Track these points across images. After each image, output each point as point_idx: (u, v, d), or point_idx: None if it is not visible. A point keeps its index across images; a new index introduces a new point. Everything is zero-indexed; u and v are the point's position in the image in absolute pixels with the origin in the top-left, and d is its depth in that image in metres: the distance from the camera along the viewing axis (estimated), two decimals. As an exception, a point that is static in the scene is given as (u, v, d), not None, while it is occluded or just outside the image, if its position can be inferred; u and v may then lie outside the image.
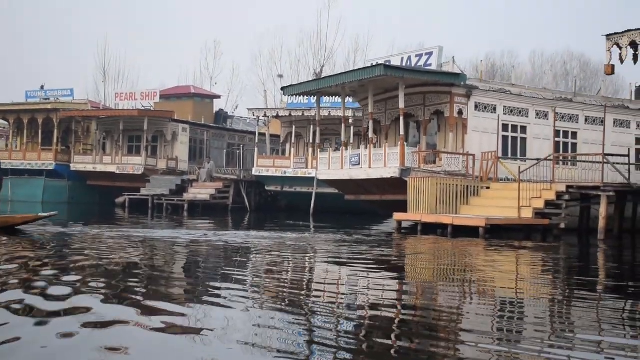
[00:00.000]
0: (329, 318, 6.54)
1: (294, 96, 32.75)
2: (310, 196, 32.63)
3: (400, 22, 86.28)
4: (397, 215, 20.51)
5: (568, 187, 19.28)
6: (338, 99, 28.10)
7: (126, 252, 12.68)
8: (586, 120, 24.90)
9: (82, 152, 40.80)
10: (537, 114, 24.25)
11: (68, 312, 6.31)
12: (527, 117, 24.10)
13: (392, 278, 10.18)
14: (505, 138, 23.56)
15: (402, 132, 22.30)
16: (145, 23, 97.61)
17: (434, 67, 23.68)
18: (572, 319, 7.03)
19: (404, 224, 20.69)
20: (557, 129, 24.33)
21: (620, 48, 17.49)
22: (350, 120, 31.77)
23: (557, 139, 24.35)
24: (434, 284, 9.64)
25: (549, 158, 20.90)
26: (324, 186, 29.31)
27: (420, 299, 8.05)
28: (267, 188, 36.20)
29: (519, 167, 19.72)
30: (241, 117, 51.82)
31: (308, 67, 56.88)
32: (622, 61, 17.87)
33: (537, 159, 21.07)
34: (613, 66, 17.88)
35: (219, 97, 54.80)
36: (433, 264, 12.51)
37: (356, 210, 27.84)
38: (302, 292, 8.25)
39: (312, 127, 33.01)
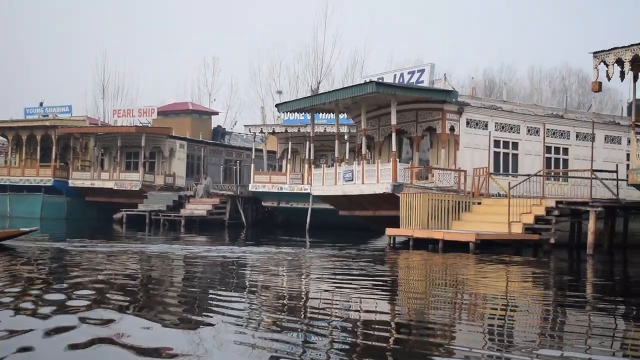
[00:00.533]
0: (321, 329, 6.73)
1: (290, 113, 33.04)
2: (306, 212, 32.85)
3: (398, 37, 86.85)
4: (390, 231, 20.70)
5: (557, 202, 19.50)
6: (334, 116, 28.37)
7: (110, 268, 12.87)
8: (577, 136, 25.16)
9: (80, 169, 41.03)
10: (529, 130, 24.52)
11: (51, 332, 6.51)
12: (518, 133, 24.37)
13: (380, 292, 10.36)
14: (497, 154, 23.81)
15: (394, 148, 22.55)
16: (145, 40, 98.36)
17: (426, 84, 24.00)
18: (545, 330, 7.24)
19: (398, 240, 20.88)
20: (548, 145, 24.60)
21: (607, 65, 17.76)
22: (346, 137, 32.08)
23: (548, 155, 24.62)
24: (417, 297, 9.83)
25: (538, 174, 21.13)
26: (319, 202, 29.50)
27: (405, 313, 8.24)
28: (263, 204, 36.42)
29: (509, 183, 19.94)
30: (239, 134, 52.11)
31: (307, 83, 57.26)
32: (609, 78, 18.15)
33: (527, 175, 21.31)
34: (600, 83, 18.15)
35: (216, 113, 55.21)
36: (419, 278, 12.70)
37: (353, 225, 28.00)
38: (290, 306, 8.45)
39: (308, 143, 33.27)
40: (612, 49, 17.58)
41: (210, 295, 9.36)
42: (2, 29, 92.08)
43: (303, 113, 30.82)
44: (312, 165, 27.74)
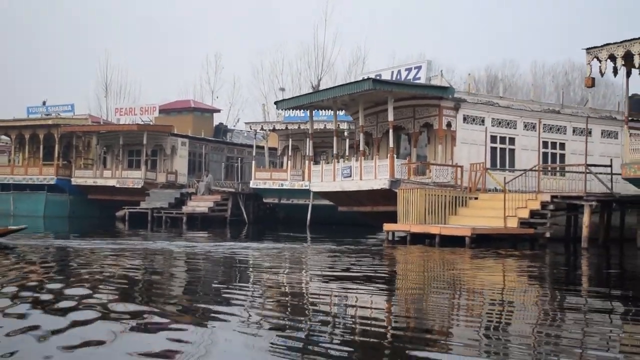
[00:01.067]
0: (322, 325, 6.99)
1: (290, 110, 33.25)
2: (307, 208, 33.13)
3: (400, 33, 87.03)
4: (387, 226, 20.94)
5: (552, 197, 19.73)
6: (338, 112, 28.56)
7: (105, 263, 13.15)
8: (574, 131, 25.35)
9: (82, 167, 41.30)
10: (525, 126, 24.73)
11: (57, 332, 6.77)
12: (515, 128, 24.57)
13: (375, 285, 10.62)
14: (493, 149, 24.02)
15: (391, 144, 22.78)
16: (147, 38, 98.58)
17: (423, 81, 24.19)
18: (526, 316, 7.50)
19: (397, 235, 21.11)
20: (545, 140, 24.79)
21: (600, 61, 17.95)
22: (346, 133, 32.32)
23: (545, 150, 24.83)
24: (409, 289, 10.10)
25: (534, 169, 21.35)
26: (320, 198, 29.75)
27: (398, 304, 8.51)
28: (264, 200, 36.69)
29: (504, 178, 20.18)
30: (241, 131, 52.36)
31: (310, 80, 57.52)
32: (602, 74, 18.34)
33: (523, 170, 21.54)
34: (593, 79, 18.36)
35: (218, 111, 55.48)
36: (413, 271, 12.96)
37: (353, 221, 28.23)
38: (291, 300, 8.72)
39: (308, 140, 33.50)
40: (604, 45, 17.77)
41: (213, 289, 9.64)
42: (5, 28, 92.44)
43: (303, 110, 31.00)
44: (311, 162, 27.97)
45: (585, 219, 19.13)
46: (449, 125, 23.49)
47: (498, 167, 23.70)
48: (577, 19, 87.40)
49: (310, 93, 28.25)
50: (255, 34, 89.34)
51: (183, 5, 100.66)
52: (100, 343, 5.56)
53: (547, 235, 19.19)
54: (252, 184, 35.86)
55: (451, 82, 29.31)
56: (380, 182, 22.47)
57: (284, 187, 34.75)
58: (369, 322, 7.12)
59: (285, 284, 10.58)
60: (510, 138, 24.53)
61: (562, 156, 25.22)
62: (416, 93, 23.39)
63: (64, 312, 7.03)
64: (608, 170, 20.56)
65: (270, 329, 6.52)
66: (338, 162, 25.33)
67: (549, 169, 24.17)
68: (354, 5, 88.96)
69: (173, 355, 5.37)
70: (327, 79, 56.49)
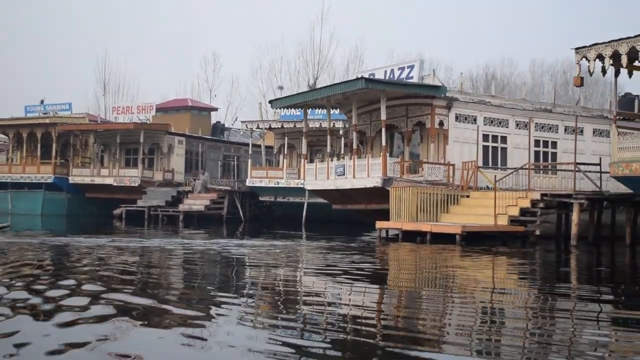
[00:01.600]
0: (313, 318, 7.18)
1: (286, 108, 33.45)
2: (303, 206, 33.34)
3: (399, 31, 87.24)
4: (380, 224, 21.15)
5: (543, 195, 19.94)
6: (333, 111, 28.79)
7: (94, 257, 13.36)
8: (565, 130, 25.57)
9: (80, 165, 41.53)
10: (517, 124, 24.95)
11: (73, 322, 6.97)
12: (507, 127, 24.80)
13: (365, 281, 10.84)
14: (485, 148, 24.23)
15: (384, 142, 22.99)
16: (145, 37, 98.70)
17: (415, 80, 24.40)
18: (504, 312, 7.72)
19: (390, 233, 21.30)
20: (537, 138, 25.02)
21: (589, 61, 18.13)
22: (341, 132, 32.52)
23: (537, 149, 25.06)
24: (397, 284, 10.32)
25: (524, 167, 21.56)
26: (315, 196, 29.97)
27: (387, 300, 8.73)
28: (260, 198, 36.90)
29: (495, 176, 20.39)
30: (238, 129, 52.56)
31: (308, 79, 57.73)
32: (590, 73, 18.53)
33: (514, 168, 21.76)
34: (582, 78, 18.53)
35: (216, 109, 55.71)
36: (401, 267, 13.18)
37: (348, 219, 28.44)
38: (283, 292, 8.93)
39: (303, 138, 33.71)
40: (592, 45, 17.95)
41: (208, 288, 9.86)
42: (3, 26, 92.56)
43: (297, 109, 31.21)
44: (305, 160, 28.21)
45: (575, 217, 19.34)
46: (441, 124, 23.72)
47: (490, 165, 23.92)
48: (576, 16, 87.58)
49: (304, 92, 28.46)
50: (254, 33, 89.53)
51: (182, 4, 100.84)
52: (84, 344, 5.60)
53: (537, 233, 19.39)
54: (248, 182, 36.08)
55: (449, 80, 29.61)
56: (373, 180, 22.69)
57: (280, 185, 34.97)
58: (344, 316, 7.33)
59: (278, 280, 10.79)
60: (502, 137, 24.76)
61: (554, 155, 25.45)
62: (409, 92, 23.62)
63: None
64: (597, 168, 20.77)
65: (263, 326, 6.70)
66: (332, 160, 25.55)
67: (540, 167, 24.39)
68: (352, 3, 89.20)
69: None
70: (325, 77, 56.76)
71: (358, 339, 6.05)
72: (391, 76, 25.11)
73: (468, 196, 21.66)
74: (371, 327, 6.67)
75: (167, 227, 29.99)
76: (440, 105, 23.61)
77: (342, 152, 31.53)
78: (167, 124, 42.02)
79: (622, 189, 20.65)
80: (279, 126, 36.87)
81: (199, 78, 75.53)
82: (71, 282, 9.20)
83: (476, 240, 18.61)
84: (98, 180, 39.48)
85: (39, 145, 41.21)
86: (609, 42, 17.58)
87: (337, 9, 78.80)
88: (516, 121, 24.92)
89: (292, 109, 33.21)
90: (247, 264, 13.48)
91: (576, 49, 18.42)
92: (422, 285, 10.70)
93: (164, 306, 7.51)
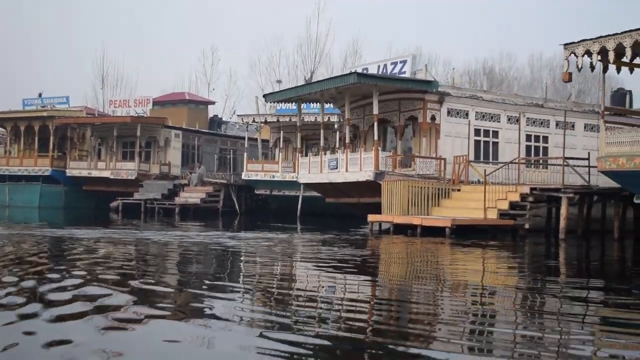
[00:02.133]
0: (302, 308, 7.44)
1: (282, 102, 33.66)
2: (298, 199, 33.62)
3: (398, 25, 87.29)
4: (371, 217, 21.41)
5: (532, 189, 20.20)
6: (327, 105, 29.07)
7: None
8: (557, 124, 25.80)
9: (77, 158, 41.70)
10: (509, 119, 25.20)
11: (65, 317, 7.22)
12: (498, 122, 25.04)
13: (353, 272, 11.11)
14: (477, 142, 24.49)
15: (376, 136, 23.24)
16: (144, 30, 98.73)
17: (408, 74, 24.64)
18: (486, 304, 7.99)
19: (383, 226, 21.55)
20: (529, 133, 25.27)
21: (577, 57, 18.35)
22: (336, 126, 32.76)
23: (528, 143, 25.31)
24: (386, 276, 10.60)
25: (514, 161, 21.81)
26: (310, 190, 30.22)
27: (378, 291, 9.01)
28: (256, 192, 37.18)
29: (484, 170, 20.65)
30: (235, 123, 52.74)
31: (306, 73, 57.94)
32: (579, 69, 18.76)
33: (504, 162, 22.02)
34: (570, 74, 18.73)
35: (213, 103, 55.87)
36: (390, 259, 13.45)
37: (343, 212, 28.67)
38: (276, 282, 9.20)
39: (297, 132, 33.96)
40: (580, 41, 18.17)
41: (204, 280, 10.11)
42: (1, 20, 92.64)
43: (292, 103, 31.44)
44: (299, 154, 28.47)
45: (563, 210, 19.60)
46: (433, 118, 23.96)
47: (482, 160, 24.16)
48: (576, 12, 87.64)
49: (298, 86, 28.71)
50: (253, 26, 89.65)
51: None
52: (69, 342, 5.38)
53: (527, 226, 19.64)
54: (244, 176, 36.33)
55: (447, 74, 29.75)
56: (365, 174, 22.95)
57: (275, 178, 35.23)
58: (336, 309, 7.59)
59: (271, 273, 11.06)
60: (494, 131, 25.00)
61: (546, 149, 25.70)
62: (401, 87, 23.85)
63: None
64: (586, 163, 21.02)
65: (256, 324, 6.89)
66: (325, 154, 25.79)
67: (530, 161, 24.65)
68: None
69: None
70: (323, 70, 56.96)
71: (349, 334, 6.05)
72: (384, 71, 25.35)
73: (459, 190, 21.90)
74: (361, 322, 6.86)
75: (163, 220, 30.26)
76: (432, 100, 23.85)
77: (337, 146, 31.75)
78: (163, 117, 42.25)
79: (614, 183, 20.93)
80: (275, 120, 37.10)
81: (197, 72, 75.62)
82: (58, 275, 9.25)
83: (466, 234, 18.86)
84: (95, 173, 39.71)
85: (36, 138, 41.37)
86: (597, 38, 17.80)
87: (335, 2, 78.37)
88: (508, 116, 25.17)
89: (288, 103, 33.46)
90: (242, 256, 13.74)
91: (565, 44, 18.64)
92: (408, 277, 10.97)
93: (151, 299, 7.75)
